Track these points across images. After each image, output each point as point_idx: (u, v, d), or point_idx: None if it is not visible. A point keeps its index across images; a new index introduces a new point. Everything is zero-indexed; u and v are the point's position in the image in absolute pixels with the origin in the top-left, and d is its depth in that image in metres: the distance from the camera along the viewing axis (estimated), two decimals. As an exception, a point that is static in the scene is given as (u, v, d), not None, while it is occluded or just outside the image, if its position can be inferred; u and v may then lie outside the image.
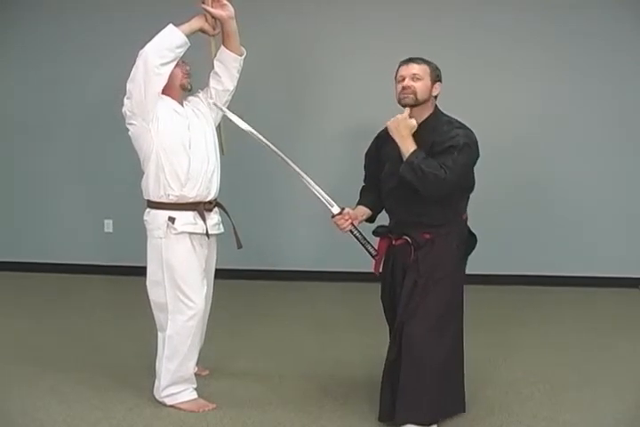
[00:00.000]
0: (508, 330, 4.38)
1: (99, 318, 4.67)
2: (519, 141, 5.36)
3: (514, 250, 5.50)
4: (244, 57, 3.30)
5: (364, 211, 3.13)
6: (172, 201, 3.14)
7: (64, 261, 5.87)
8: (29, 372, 3.65)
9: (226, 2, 3.13)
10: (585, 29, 5.22)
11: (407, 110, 2.87)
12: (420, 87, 2.86)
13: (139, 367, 3.67)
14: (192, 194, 3.14)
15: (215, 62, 3.31)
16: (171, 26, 3.02)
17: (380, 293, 3.18)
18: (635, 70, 5.25)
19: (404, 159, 2.81)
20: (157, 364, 3.27)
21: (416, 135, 2.85)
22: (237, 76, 3.33)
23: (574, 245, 5.46)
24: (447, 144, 2.80)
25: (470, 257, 3.09)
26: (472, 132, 2.88)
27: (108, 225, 5.82)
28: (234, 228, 3.41)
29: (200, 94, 3.35)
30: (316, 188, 3.09)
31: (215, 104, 3.29)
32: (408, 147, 2.81)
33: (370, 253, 3.06)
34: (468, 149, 2.82)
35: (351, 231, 3.04)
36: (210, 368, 3.65)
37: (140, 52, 2.98)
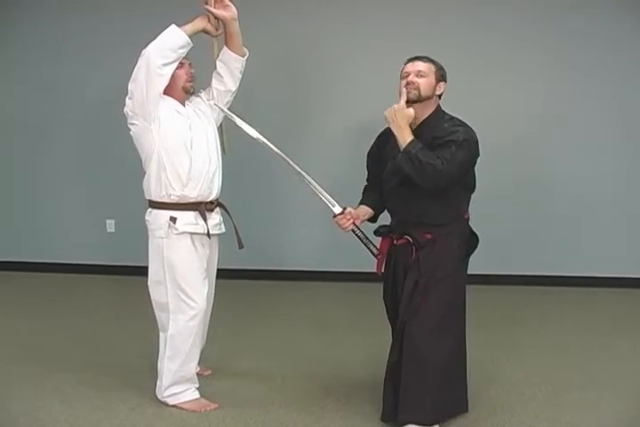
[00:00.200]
0: (509, 330, 4.39)
1: (101, 318, 4.67)
2: (519, 141, 5.37)
3: (514, 250, 5.50)
4: (246, 58, 3.31)
5: (365, 210, 3.13)
6: (174, 201, 3.14)
7: (66, 260, 5.88)
8: (31, 372, 3.66)
9: (229, 3, 3.13)
10: (585, 29, 5.21)
11: (404, 98, 2.86)
12: (424, 84, 2.87)
13: (141, 367, 3.67)
14: (193, 194, 3.15)
15: (217, 63, 3.31)
16: (173, 26, 3.02)
17: (382, 293, 3.18)
18: (635, 70, 5.25)
19: (401, 149, 2.80)
20: (159, 364, 3.27)
21: (417, 132, 2.85)
22: (240, 76, 3.34)
23: (574, 245, 5.46)
24: (446, 139, 2.80)
25: (470, 257, 3.08)
26: (473, 130, 2.88)
27: (110, 225, 5.82)
28: (235, 228, 3.41)
29: (202, 94, 3.35)
30: (318, 188, 3.08)
31: (223, 110, 3.27)
32: (405, 137, 2.81)
33: (372, 252, 3.06)
34: (467, 145, 2.81)
35: (353, 231, 3.04)
36: (212, 368, 3.65)
37: (143, 52, 2.99)
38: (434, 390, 2.90)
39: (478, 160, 2.94)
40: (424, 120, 2.93)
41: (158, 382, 3.28)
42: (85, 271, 5.82)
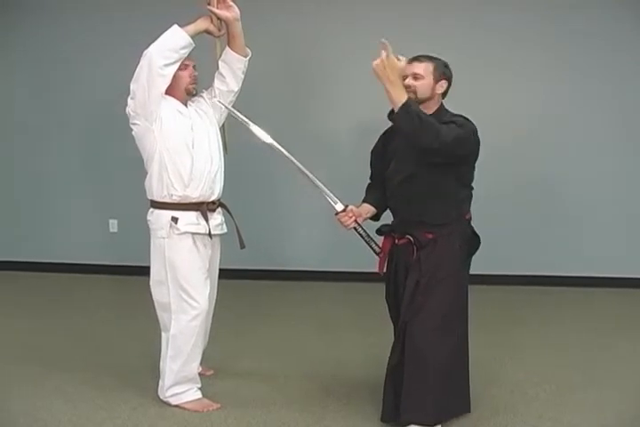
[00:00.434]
0: (509, 330, 4.39)
1: (102, 318, 4.68)
2: (519, 141, 5.38)
3: (514, 250, 5.50)
4: (248, 58, 3.31)
5: (368, 209, 3.13)
6: (176, 201, 3.15)
7: (69, 260, 5.88)
8: (34, 372, 3.66)
9: (231, 3, 3.13)
10: (585, 29, 5.22)
11: (385, 47, 2.67)
12: (421, 86, 2.86)
13: (143, 367, 3.68)
14: (195, 194, 3.15)
15: (220, 63, 3.31)
16: (175, 26, 3.02)
17: (384, 292, 3.18)
18: (635, 70, 5.26)
19: (397, 107, 2.68)
20: (161, 364, 3.28)
21: None
22: (242, 77, 3.34)
23: (574, 245, 5.46)
24: (448, 120, 2.79)
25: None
26: (474, 125, 2.86)
27: (113, 225, 5.83)
28: (237, 228, 3.41)
29: (204, 94, 3.36)
30: (321, 186, 3.07)
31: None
32: (399, 93, 2.68)
33: (374, 250, 3.06)
34: (468, 128, 2.79)
35: (355, 229, 3.03)
36: (214, 368, 3.66)
37: (145, 52, 2.99)
38: (435, 390, 2.90)
39: (478, 160, 2.94)
40: None
41: (160, 382, 3.28)
42: (88, 271, 5.82)
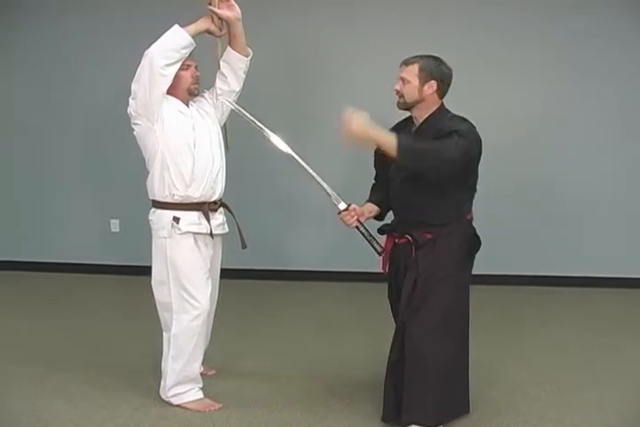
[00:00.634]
0: (509, 330, 4.40)
1: (104, 318, 4.67)
2: (519, 141, 5.37)
3: (514, 250, 5.50)
4: (250, 58, 3.31)
5: (371, 208, 3.13)
6: (177, 201, 3.15)
7: (70, 260, 5.88)
8: (35, 372, 3.66)
9: (233, 3, 3.13)
10: (585, 29, 5.22)
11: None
12: (407, 91, 2.86)
13: (144, 367, 3.68)
14: (197, 194, 3.15)
15: (221, 63, 3.31)
16: (176, 26, 3.02)
17: (387, 292, 3.18)
18: (635, 70, 5.26)
19: (394, 151, 2.70)
20: (163, 364, 3.28)
21: (419, 131, 2.86)
22: (243, 76, 3.34)
23: (574, 245, 5.47)
24: (449, 130, 2.77)
25: (472, 258, 3.09)
26: (475, 127, 2.85)
27: (115, 225, 5.83)
28: (238, 228, 3.41)
29: (206, 94, 3.35)
30: (325, 185, 3.05)
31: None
32: (386, 138, 2.72)
33: (376, 249, 3.06)
34: (469, 137, 2.78)
35: (357, 228, 3.03)
36: (216, 368, 3.66)
37: (146, 52, 2.98)
38: (435, 390, 2.89)
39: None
40: (424, 122, 2.92)
41: (162, 382, 3.28)
42: (89, 271, 5.82)
